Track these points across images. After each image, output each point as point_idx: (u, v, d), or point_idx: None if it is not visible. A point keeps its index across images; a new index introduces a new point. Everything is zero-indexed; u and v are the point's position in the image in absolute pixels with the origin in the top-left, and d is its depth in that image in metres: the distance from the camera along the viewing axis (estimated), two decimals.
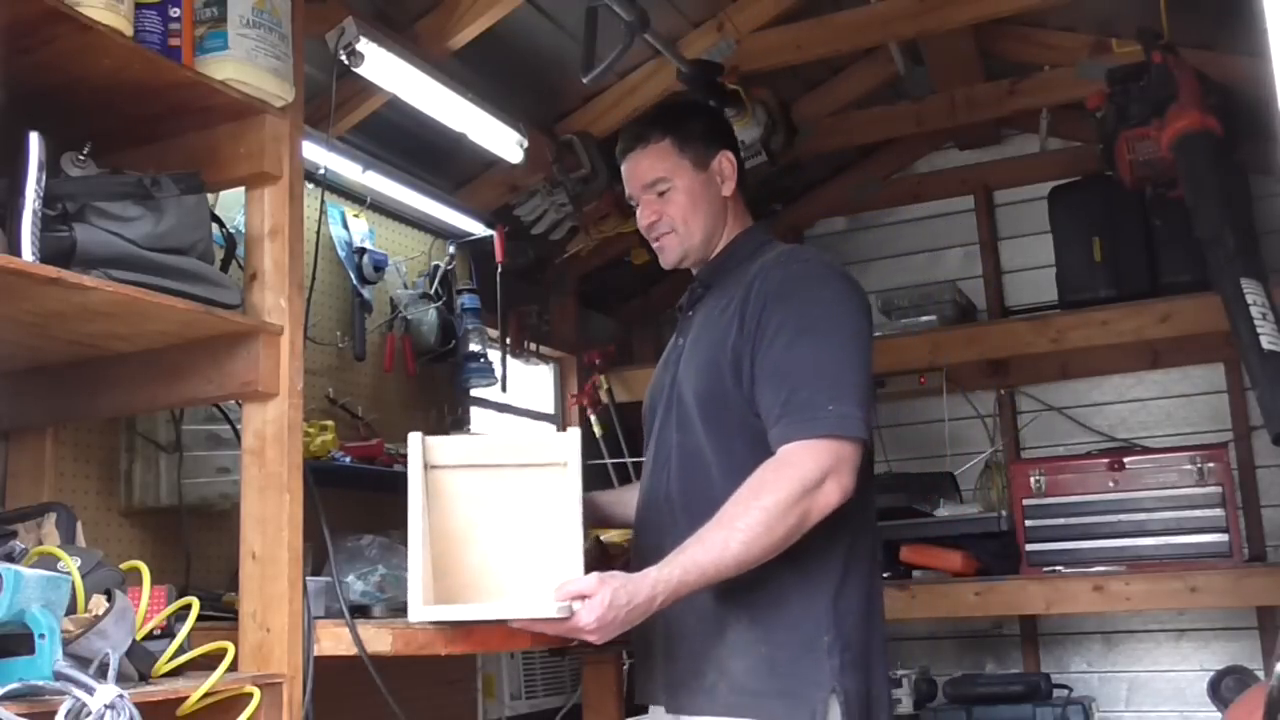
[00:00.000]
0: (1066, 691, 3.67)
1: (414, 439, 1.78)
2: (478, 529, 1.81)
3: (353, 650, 1.86)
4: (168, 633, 1.66)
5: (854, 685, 1.72)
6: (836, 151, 4.49)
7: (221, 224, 2.04)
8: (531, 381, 4.22)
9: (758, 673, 1.72)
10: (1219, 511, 3.45)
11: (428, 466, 1.78)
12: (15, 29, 1.56)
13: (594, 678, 2.87)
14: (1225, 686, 2.93)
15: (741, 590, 1.74)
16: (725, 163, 1.99)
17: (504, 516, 1.82)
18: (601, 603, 1.60)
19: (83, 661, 1.36)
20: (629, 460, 3.86)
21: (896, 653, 3.94)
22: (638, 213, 2.02)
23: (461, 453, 1.84)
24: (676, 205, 1.96)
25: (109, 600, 1.48)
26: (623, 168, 2.03)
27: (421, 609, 1.74)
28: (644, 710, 1.93)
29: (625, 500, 2.18)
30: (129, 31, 1.66)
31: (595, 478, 3.62)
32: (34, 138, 1.51)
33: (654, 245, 2.02)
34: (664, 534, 1.83)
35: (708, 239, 1.98)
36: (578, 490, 1.77)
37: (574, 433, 1.80)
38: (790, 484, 1.65)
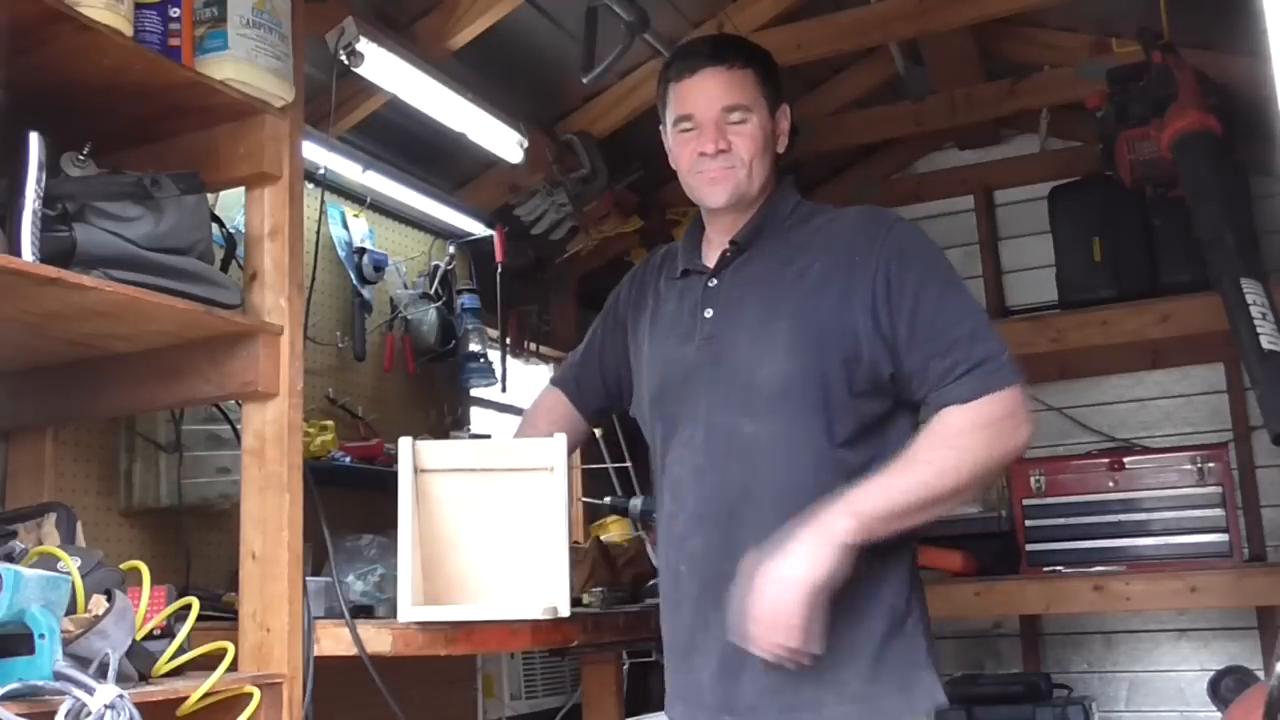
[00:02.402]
0: (1066, 691, 3.67)
1: (404, 443, 1.78)
2: (467, 531, 1.82)
3: (353, 650, 1.86)
4: (168, 633, 1.66)
5: (938, 659, 1.68)
6: (836, 151, 4.49)
7: (221, 224, 2.04)
8: (531, 381, 4.22)
9: (867, 676, 1.60)
10: (1219, 511, 3.45)
11: (417, 470, 1.79)
12: (15, 29, 1.56)
13: (594, 678, 2.87)
14: (1225, 686, 2.93)
15: (839, 591, 1.56)
16: (784, 119, 1.84)
17: (492, 519, 1.82)
18: (756, 587, 1.52)
19: (83, 661, 1.36)
20: (630, 464, 3.85)
21: None
22: (695, 137, 1.76)
23: (450, 457, 1.85)
24: (751, 140, 1.75)
25: (109, 600, 1.48)
26: (689, 82, 1.77)
27: (410, 609, 1.76)
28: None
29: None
30: (129, 31, 1.66)
31: (596, 480, 3.62)
32: (34, 138, 1.51)
33: (704, 178, 1.77)
34: (744, 536, 1.63)
35: (760, 189, 1.80)
36: (564, 494, 1.78)
37: (560, 438, 1.81)
38: (977, 430, 1.59)
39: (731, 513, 1.68)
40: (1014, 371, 1.63)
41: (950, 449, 1.59)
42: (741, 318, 1.73)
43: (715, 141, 1.75)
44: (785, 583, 1.51)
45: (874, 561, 1.63)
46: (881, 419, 1.69)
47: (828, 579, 1.51)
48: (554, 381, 2.14)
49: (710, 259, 1.83)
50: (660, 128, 1.88)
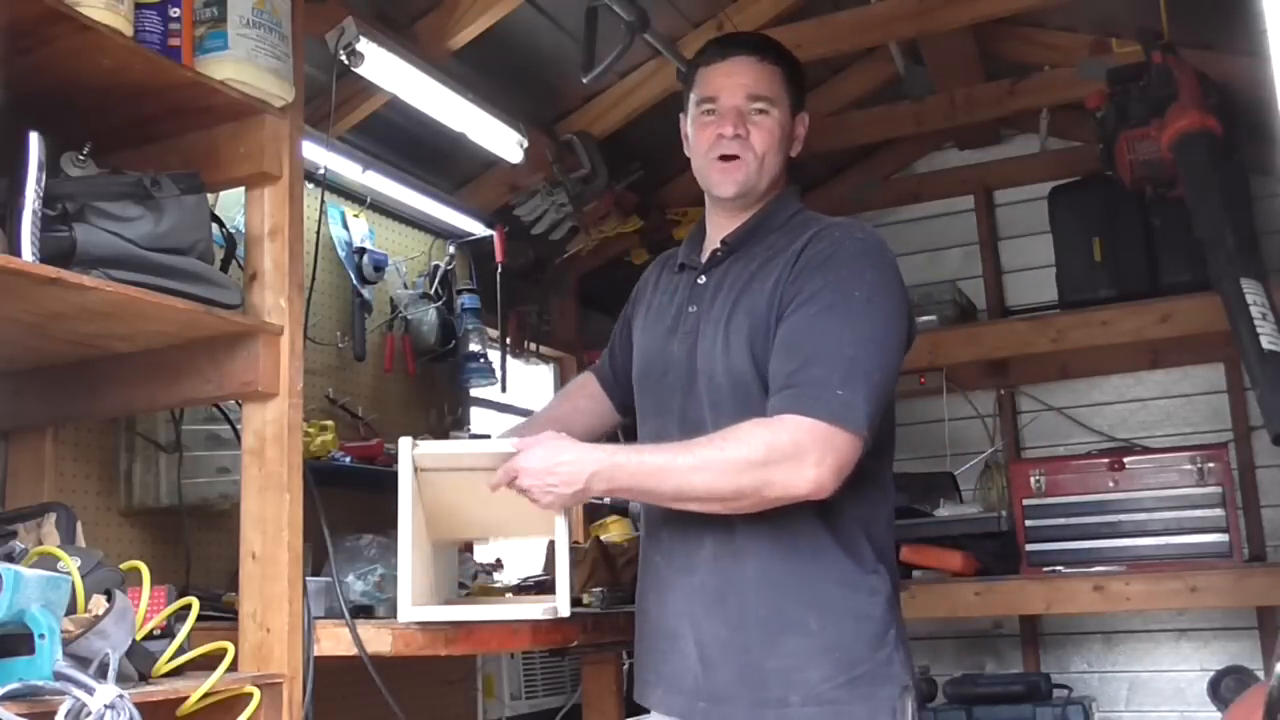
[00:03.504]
0: (1066, 691, 3.67)
1: (404, 443, 1.78)
2: (467, 530, 1.82)
3: (353, 650, 1.86)
4: (168, 633, 1.66)
5: (914, 677, 1.68)
6: (836, 151, 4.49)
7: (221, 224, 2.04)
8: (531, 381, 4.22)
9: (835, 680, 1.61)
10: (1219, 511, 3.44)
11: (417, 470, 1.79)
12: (15, 29, 1.56)
13: (594, 678, 2.87)
14: (1225, 686, 2.94)
15: (801, 588, 1.66)
16: (801, 125, 1.87)
17: (492, 518, 1.82)
18: (535, 445, 1.67)
19: (83, 661, 1.36)
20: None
21: None
22: (715, 121, 1.79)
23: (450, 456, 1.85)
24: (767, 133, 1.78)
25: (109, 600, 1.47)
26: (718, 66, 1.81)
27: (410, 609, 1.76)
28: (645, 710, 1.90)
29: (580, 413, 2.11)
30: (129, 31, 1.66)
31: None
32: (34, 138, 1.50)
33: (717, 166, 1.80)
34: (704, 529, 1.70)
35: (769, 187, 1.82)
36: None
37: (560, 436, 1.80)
38: (761, 447, 1.55)
39: None
40: (837, 409, 1.55)
41: (720, 453, 1.58)
42: (713, 314, 1.77)
43: (735, 126, 1.78)
44: (557, 475, 1.64)
45: (847, 564, 1.67)
46: None
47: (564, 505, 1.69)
48: (590, 369, 2.21)
49: (706, 256, 1.87)
50: (680, 115, 1.90)
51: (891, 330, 1.66)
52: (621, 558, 2.79)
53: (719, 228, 1.86)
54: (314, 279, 2.60)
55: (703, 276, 1.84)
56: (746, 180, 1.79)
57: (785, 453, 1.55)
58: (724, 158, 1.79)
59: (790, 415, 1.57)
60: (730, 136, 1.78)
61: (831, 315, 1.63)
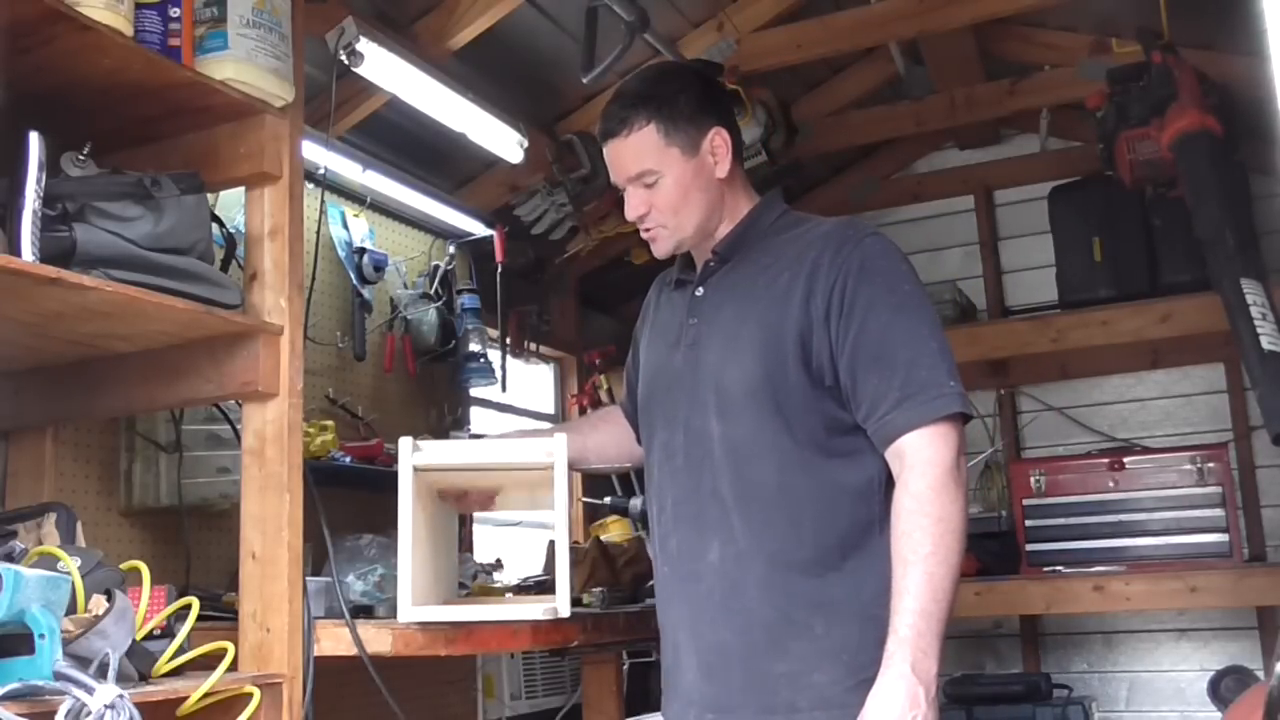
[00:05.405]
0: (1066, 691, 3.67)
1: (404, 443, 1.78)
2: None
3: (353, 650, 1.86)
4: (168, 633, 1.66)
5: None
6: (836, 151, 4.49)
7: (221, 224, 2.04)
8: (531, 381, 4.22)
9: (844, 683, 1.61)
10: (1219, 511, 3.45)
11: (417, 470, 1.79)
12: (15, 29, 1.56)
13: (594, 678, 2.87)
14: (1225, 686, 2.93)
15: (806, 591, 1.65)
16: (718, 141, 1.79)
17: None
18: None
19: (83, 661, 1.36)
20: (630, 465, 3.85)
21: None
22: (625, 202, 1.83)
23: (451, 455, 1.85)
24: (666, 197, 1.78)
25: (109, 600, 1.48)
26: (605, 152, 1.85)
27: (410, 609, 1.76)
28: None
29: (599, 432, 2.10)
30: (129, 31, 1.66)
31: (597, 481, 3.62)
32: (34, 138, 1.50)
33: (644, 236, 1.85)
34: (710, 535, 1.71)
35: (703, 226, 1.81)
36: (564, 492, 1.78)
37: (560, 438, 1.81)
38: (941, 483, 1.58)
39: (701, 513, 1.72)
40: (953, 400, 1.61)
41: (935, 522, 1.57)
42: (718, 323, 1.77)
43: (635, 208, 1.81)
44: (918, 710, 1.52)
45: (853, 568, 1.66)
46: (856, 426, 1.69)
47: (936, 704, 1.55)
48: (616, 403, 2.21)
49: (700, 268, 1.88)
50: None
51: (935, 313, 1.76)
52: (621, 558, 2.79)
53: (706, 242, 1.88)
54: (314, 279, 2.60)
55: (700, 289, 1.84)
56: (671, 240, 1.82)
57: (954, 464, 1.60)
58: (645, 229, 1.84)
59: (925, 432, 1.60)
60: (635, 219, 1.82)
61: (901, 315, 1.67)
